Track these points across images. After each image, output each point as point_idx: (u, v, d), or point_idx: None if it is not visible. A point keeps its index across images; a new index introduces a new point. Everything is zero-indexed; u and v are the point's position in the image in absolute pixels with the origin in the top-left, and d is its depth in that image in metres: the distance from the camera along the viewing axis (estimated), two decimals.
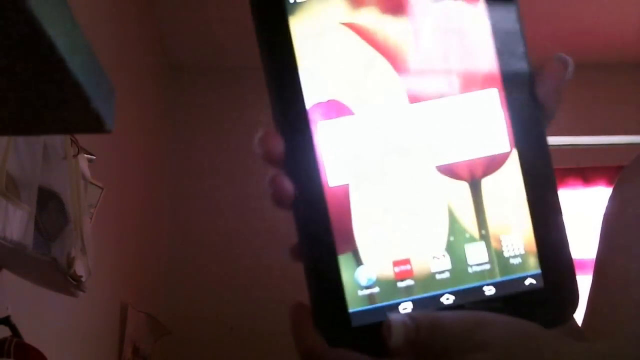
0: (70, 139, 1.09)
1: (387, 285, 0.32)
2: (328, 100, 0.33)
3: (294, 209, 0.32)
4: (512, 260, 0.32)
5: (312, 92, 0.32)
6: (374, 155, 0.32)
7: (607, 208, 0.53)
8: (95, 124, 0.39)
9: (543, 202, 0.32)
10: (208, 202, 2.55)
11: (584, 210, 2.40)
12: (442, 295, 0.32)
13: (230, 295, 2.44)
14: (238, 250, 2.48)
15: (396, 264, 0.32)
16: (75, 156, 1.10)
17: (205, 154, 2.61)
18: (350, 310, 0.32)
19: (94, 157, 1.28)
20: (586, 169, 2.53)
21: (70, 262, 1.01)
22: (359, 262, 0.32)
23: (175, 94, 2.64)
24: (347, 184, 0.32)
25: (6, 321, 1.05)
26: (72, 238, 1.03)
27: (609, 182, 2.50)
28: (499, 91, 0.33)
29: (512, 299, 0.32)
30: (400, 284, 0.32)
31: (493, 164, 0.32)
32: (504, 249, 0.32)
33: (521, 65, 0.33)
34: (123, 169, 1.93)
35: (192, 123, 2.62)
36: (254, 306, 2.39)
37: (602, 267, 0.50)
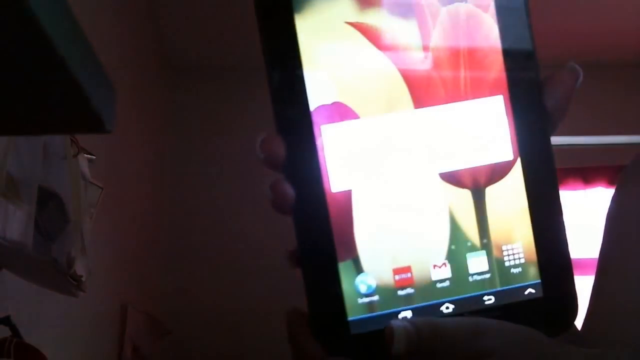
0: (70, 139, 1.09)
1: (387, 294, 0.32)
2: (333, 103, 0.32)
3: (294, 214, 0.31)
4: (512, 270, 0.32)
5: (317, 93, 0.32)
6: (378, 161, 0.32)
7: (610, 208, 0.52)
8: (95, 124, 0.39)
9: (545, 213, 0.32)
10: (208, 202, 2.55)
11: (585, 210, 2.40)
12: (442, 304, 0.32)
13: (230, 295, 2.44)
14: (238, 251, 2.48)
15: (397, 272, 0.32)
16: (75, 156, 1.10)
17: (205, 154, 2.60)
18: (350, 318, 0.31)
19: (94, 157, 1.28)
20: (586, 169, 2.52)
21: (70, 262, 1.01)
22: (359, 269, 0.32)
23: (175, 94, 2.63)
24: (350, 190, 0.32)
25: (6, 321, 1.05)
26: (72, 238, 1.03)
27: (609, 182, 2.50)
28: (506, 98, 0.32)
29: (512, 308, 0.32)
30: (401, 292, 0.32)
31: (497, 172, 0.32)
32: (505, 258, 0.32)
33: (530, 73, 0.32)
34: (123, 169, 1.93)
35: (192, 123, 2.62)
36: (254, 306, 2.39)
37: (604, 269, 0.50)
